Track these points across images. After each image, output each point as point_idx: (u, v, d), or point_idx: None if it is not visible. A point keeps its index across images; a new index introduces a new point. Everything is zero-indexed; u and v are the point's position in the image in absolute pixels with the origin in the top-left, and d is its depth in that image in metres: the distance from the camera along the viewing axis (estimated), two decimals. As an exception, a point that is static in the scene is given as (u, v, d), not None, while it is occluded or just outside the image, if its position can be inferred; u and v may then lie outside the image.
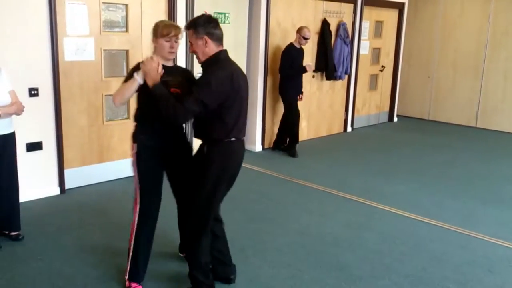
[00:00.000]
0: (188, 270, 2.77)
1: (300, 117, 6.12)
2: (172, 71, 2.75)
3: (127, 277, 2.83)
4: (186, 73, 2.96)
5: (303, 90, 6.16)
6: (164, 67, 2.67)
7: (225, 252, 2.96)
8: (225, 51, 2.68)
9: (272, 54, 6.12)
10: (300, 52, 5.91)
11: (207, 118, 2.59)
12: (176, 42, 2.73)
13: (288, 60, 5.80)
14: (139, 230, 2.77)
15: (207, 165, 2.63)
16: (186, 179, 2.77)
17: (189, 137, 3.05)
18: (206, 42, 2.57)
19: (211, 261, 2.87)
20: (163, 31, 2.69)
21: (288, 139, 6.14)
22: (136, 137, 2.75)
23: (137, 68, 2.67)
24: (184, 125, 2.96)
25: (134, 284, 2.83)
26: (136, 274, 2.83)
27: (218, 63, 2.60)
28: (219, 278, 2.93)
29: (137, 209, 2.74)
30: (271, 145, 6.33)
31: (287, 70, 5.84)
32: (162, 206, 2.84)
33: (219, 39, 2.63)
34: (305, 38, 5.80)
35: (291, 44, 5.87)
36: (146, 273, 2.87)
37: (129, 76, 2.68)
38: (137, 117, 2.79)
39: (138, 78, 2.59)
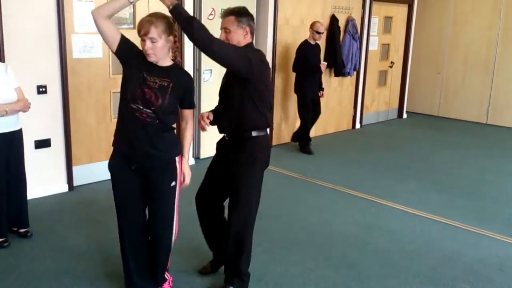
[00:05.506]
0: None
1: (317, 116, 6.09)
2: (161, 72, 2.34)
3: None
4: (181, 78, 2.43)
5: (323, 86, 6.11)
6: (154, 66, 2.33)
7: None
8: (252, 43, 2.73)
9: (280, 52, 6.08)
10: (315, 48, 5.82)
11: (244, 111, 2.55)
12: (153, 42, 2.25)
13: (300, 57, 5.74)
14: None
15: (251, 161, 2.60)
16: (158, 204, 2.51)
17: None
18: (246, 33, 2.65)
19: (216, 251, 2.95)
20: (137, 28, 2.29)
21: (299, 135, 6.09)
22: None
23: None
24: (174, 128, 2.53)
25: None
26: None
27: (248, 48, 2.61)
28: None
29: None
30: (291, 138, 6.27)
31: (300, 67, 5.78)
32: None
33: (253, 33, 2.72)
34: (318, 33, 5.69)
35: (305, 41, 5.80)
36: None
37: None
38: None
39: None
